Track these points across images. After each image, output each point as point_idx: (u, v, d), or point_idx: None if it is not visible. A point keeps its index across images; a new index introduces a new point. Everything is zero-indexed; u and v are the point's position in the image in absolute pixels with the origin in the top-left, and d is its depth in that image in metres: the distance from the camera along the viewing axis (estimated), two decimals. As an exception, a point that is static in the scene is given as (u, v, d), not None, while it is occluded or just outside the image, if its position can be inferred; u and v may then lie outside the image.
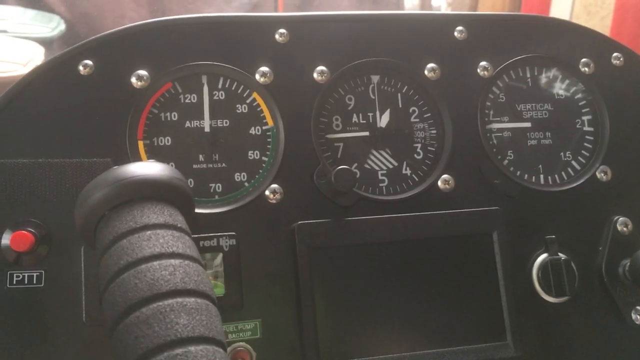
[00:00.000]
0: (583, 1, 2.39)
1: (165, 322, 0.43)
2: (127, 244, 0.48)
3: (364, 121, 0.70)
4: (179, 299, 0.45)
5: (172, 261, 0.47)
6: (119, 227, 0.49)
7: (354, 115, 0.70)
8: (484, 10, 1.88)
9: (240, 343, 0.62)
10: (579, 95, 0.75)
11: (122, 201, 0.50)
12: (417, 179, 0.70)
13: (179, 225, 0.51)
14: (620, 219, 0.70)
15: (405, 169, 0.70)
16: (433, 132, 0.71)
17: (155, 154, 0.65)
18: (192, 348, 0.43)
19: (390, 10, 0.74)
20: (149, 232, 0.49)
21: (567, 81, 0.75)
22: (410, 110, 0.72)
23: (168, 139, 0.65)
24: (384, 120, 0.71)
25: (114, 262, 0.47)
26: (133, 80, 0.64)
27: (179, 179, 0.53)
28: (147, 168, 0.52)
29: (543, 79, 0.75)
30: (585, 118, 0.74)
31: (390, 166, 0.70)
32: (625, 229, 0.70)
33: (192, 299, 0.46)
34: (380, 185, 0.69)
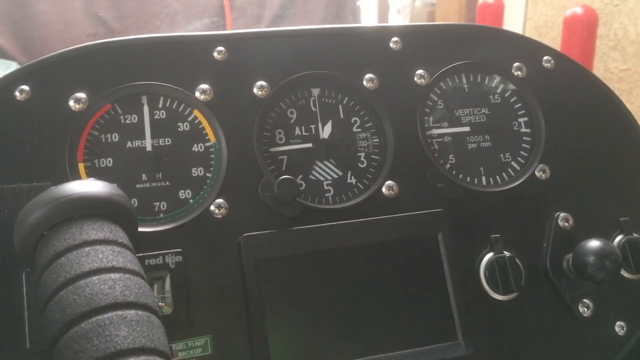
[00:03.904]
0: (534, 24, 2.48)
1: (104, 335, 0.43)
2: (66, 261, 0.47)
3: (307, 133, 0.71)
4: (119, 312, 0.45)
5: (112, 275, 0.47)
6: (58, 245, 0.48)
7: (297, 128, 0.71)
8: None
9: (192, 360, 0.61)
10: (514, 99, 0.77)
11: (61, 220, 0.50)
12: (362, 187, 0.71)
13: (119, 241, 0.51)
14: (561, 214, 0.72)
15: (350, 178, 0.71)
16: (376, 140, 0.73)
17: (96, 175, 0.64)
18: (132, 359, 0.42)
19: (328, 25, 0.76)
20: (88, 248, 0.48)
21: (501, 85, 0.77)
22: (352, 121, 0.73)
23: (110, 160, 0.65)
24: (326, 132, 0.72)
25: (53, 280, 0.46)
26: (71, 103, 0.64)
27: (119, 195, 0.53)
28: (85, 186, 0.52)
29: (479, 85, 0.77)
30: (521, 120, 0.77)
31: (335, 176, 0.71)
32: (566, 224, 0.72)
33: (133, 311, 0.45)
34: (327, 195, 0.70)
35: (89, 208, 0.51)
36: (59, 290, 0.46)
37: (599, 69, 2.14)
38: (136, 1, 1.23)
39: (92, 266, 0.47)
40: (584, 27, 1.92)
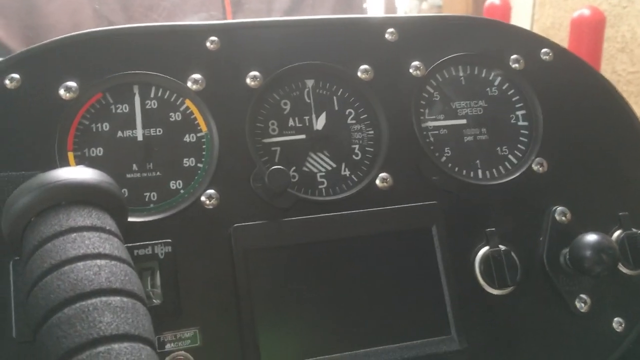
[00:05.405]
0: (541, 25, 2.47)
1: (87, 321, 0.42)
2: (52, 247, 0.47)
3: (301, 125, 0.70)
4: (104, 298, 0.44)
5: (98, 262, 0.46)
6: (44, 231, 0.48)
7: (290, 119, 0.70)
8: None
9: (180, 352, 0.60)
10: (512, 91, 0.76)
11: (48, 206, 0.50)
12: (356, 180, 0.70)
13: (107, 228, 0.50)
14: (559, 208, 0.71)
15: (345, 170, 0.70)
16: (370, 132, 0.72)
17: (86, 165, 0.64)
18: (115, 346, 0.42)
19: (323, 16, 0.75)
20: (75, 234, 0.48)
21: (499, 78, 0.76)
22: (347, 112, 0.72)
23: (100, 150, 0.65)
24: (320, 123, 0.71)
25: (38, 266, 0.46)
26: (61, 92, 0.63)
27: (108, 183, 0.53)
28: (73, 172, 0.51)
29: (475, 77, 0.76)
30: (519, 113, 0.76)
31: (329, 168, 0.70)
32: (564, 218, 0.71)
33: (118, 298, 0.45)
34: (320, 187, 0.69)
35: (77, 195, 0.51)
36: (43, 276, 0.45)
37: (606, 72, 2.13)
38: (134, -6, 1.24)
39: (78, 252, 0.46)
40: (591, 29, 1.90)
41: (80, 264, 0.46)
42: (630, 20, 2.11)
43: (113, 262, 0.47)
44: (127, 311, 0.45)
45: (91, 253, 0.47)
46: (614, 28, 2.15)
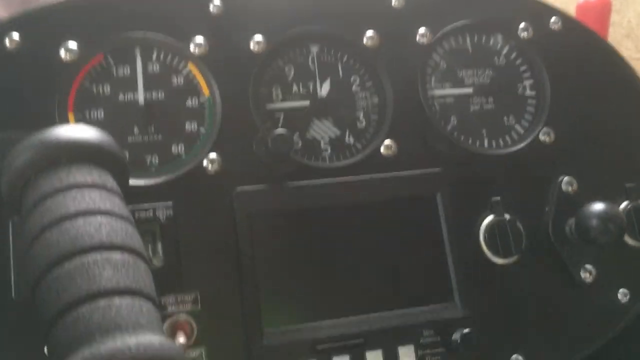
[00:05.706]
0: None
1: (88, 275, 0.41)
2: (51, 203, 0.46)
3: (304, 91, 0.69)
4: (104, 253, 0.43)
5: (99, 218, 0.45)
6: (44, 188, 0.47)
7: (294, 85, 0.69)
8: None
9: (181, 314, 0.60)
10: (519, 60, 0.75)
11: (48, 163, 0.49)
12: (360, 147, 0.69)
13: (108, 186, 0.49)
14: (565, 178, 0.70)
15: (349, 138, 0.69)
16: (375, 100, 0.71)
17: None
18: (116, 299, 0.41)
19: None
20: (75, 191, 0.47)
21: (506, 47, 0.75)
22: (352, 79, 0.71)
23: (101, 112, 0.64)
24: (324, 90, 0.70)
25: (37, 222, 0.45)
26: (62, 53, 0.62)
27: (109, 141, 0.52)
28: (74, 130, 0.50)
29: (483, 45, 0.74)
30: (526, 82, 0.74)
31: (333, 135, 0.69)
32: (570, 188, 0.70)
33: (119, 254, 0.44)
34: (324, 154, 0.68)
35: (78, 152, 0.50)
36: (42, 231, 0.44)
37: (612, 57, 2.11)
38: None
39: (78, 208, 0.45)
40: (597, 15, 1.88)
41: (80, 220, 0.45)
42: (636, 6, 2.09)
43: (114, 219, 0.46)
44: (128, 267, 0.44)
45: (92, 209, 0.46)
46: (620, 14, 2.12)
